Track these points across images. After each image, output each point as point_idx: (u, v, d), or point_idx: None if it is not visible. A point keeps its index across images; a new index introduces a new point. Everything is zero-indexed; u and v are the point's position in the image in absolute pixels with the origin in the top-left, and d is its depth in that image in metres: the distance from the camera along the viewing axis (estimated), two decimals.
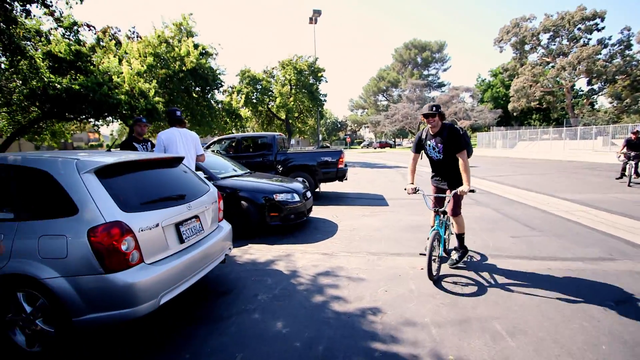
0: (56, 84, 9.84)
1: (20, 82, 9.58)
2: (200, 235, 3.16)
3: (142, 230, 2.49)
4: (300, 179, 8.48)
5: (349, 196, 9.38)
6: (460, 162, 3.51)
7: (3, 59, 7.23)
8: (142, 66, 13.48)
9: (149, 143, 4.90)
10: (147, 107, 12.22)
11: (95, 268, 2.28)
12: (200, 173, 5.31)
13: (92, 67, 11.41)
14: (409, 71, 60.18)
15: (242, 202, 5.36)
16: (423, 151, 3.87)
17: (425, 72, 60.85)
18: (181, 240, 2.89)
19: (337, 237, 5.31)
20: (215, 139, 9.67)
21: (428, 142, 3.71)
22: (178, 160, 3.52)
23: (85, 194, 2.39)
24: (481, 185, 10.42)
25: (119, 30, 16.53)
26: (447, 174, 3.75)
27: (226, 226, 3.73)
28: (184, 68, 15.19)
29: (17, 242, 2.36)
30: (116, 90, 11.46)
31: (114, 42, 15.42)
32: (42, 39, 11.13)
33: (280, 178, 6.79)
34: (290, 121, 26.62)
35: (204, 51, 16.76)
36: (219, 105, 19.65)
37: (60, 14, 10.78)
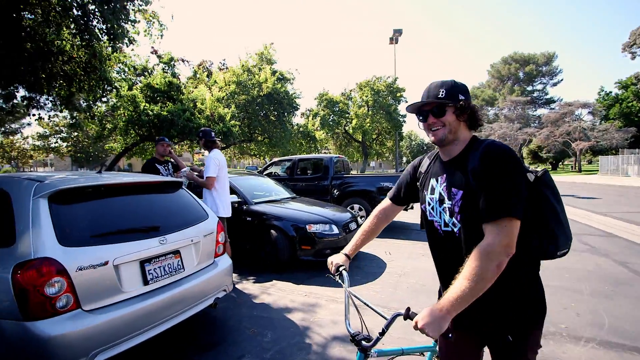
0: (149, 111, 11.14)
1: (124, 110, 11.09)
2: (177, 274, 2.62)
3: (80, 270, 2.05)
4: (356, 206, 7.63)
5: (413, 228, 8.07)
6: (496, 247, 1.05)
7: (113, 92, 8.42)
8: (223, 93, 14.56)
9: (170, 164, 4.77)
10: (223, 129, 13.02)
11: (15, 312, 1.89)
12: (233, 196, 4.98)
13: (181, 95, 12.73)
14: (508, 87, 54.00)
15: (272, 231, 4.79)
16: (418, 202, 1.50)
17: (529, 88, 53.71)
18: (145, 282, 2.39)
19: (379, 283, 4.28)
20: (274, 160, 9.54)
21: (430, 183, 1.35)
22: (174, 185, 3.13)
23: (27, 221, 2.08)
24: (601, 225, 7.90)
25: (212, 64, 18.51)
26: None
27: (223, 263, 3.15)
28: (261, 93, 16.00)
29: None
30: (198, 115, 12.50)
31: (206, 73, 17.25)
32: (146, 73, 12.95)
33: (330, 206, 6.06)
34: (367, 143, 25.89)
35: (281, 77, 17.50)
36: (295, 128, 20.14)
37: (159, 55, 12.46)
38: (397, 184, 1.61)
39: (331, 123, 24.39)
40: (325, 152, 26.43)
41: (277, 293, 4.03)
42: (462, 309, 0.98)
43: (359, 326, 1.38)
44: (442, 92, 1.21)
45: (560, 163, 51.10)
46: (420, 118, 1.29)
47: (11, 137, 22.98)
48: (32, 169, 40.12)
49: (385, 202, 1.65)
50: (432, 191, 1.31)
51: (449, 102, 1.20)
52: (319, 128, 22.50)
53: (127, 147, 13.01)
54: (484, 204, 1.06)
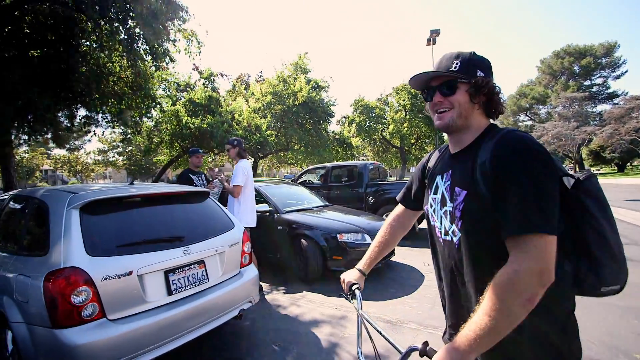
0: (191, 125, 11.74)
1: (168, 124, 11.79)
2: (201, 285, 2.61)
3: (106, 279, 2.10)
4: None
5: None
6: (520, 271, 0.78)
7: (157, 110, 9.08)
8: (259, 104, 14.97)
9: (203, 175, 4.88)
10: (259, 139, 13.34)
11: (46, 320, 1.97)
12: (264, 205, 4.99)
13: (220, 108, 13.29)
14: (562, 83, 49.77)
15: (302, 240, 4.70)
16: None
17: (587, 83, 49.13)
18: (169, 292, 2.39)
19: (416, 297, 4.00)
20: (308, 167, 9.52)
21: (436, 181, 1.10)
22: (201, 195, 3.16)
23: (60, 231, 2.17)
24: None
25: (249, 76, 19.19)
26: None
27: (249, 274, 3.10)
28: (296, 102, 16.24)
29: (6, 277, 2.30)
30: (236, 127, 12.95)
31: (244, 86, 17.89)
32: (189, 89, 13.72)
33: (364, 214, 5.87)
34: (405, 148, 25.16)
35: (315, 85, 17.65)
36: (332, 135, 20.15)
37: (200, 72, 13.17)
38: (406, 184, 1.38)
39: (367, 129, 24.08)
40: (362, 159, 26.11)
41: (306, 305, 3.91)
42: (485, 349, 0.76)
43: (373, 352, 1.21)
44: (456, 64, 0.96)
45: (629, 164, 45.88)
46: (426, 96, 1.05)
47: (75, 153, 25.66)
48: (94, 181, 44.34)
49: (398, 207, 1.42)
50: (436, 190, 1.08)
51: (462, 77, 0.95)
52: (355, 135, 22.30)
53: (172, 159, 13.78)
54: (503, 213, 0.81)
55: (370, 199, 7.74)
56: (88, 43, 7.30)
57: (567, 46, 49.55)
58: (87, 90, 7.80)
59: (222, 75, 14.96)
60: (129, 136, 10.25)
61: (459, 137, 1.02)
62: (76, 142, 21.42)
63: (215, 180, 4.66)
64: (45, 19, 6.41)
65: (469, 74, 0.96)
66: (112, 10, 6.06)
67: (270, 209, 5.14)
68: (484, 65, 0.99)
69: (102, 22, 6.43)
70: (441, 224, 1.03)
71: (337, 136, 20.00)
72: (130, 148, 27.78)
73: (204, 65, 13.86)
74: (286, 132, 16.99)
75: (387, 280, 4.59)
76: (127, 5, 5.82)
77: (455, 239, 0.96)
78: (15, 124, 10.63)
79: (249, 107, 14.27)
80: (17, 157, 28.29)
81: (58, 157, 31.24)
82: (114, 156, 30.34)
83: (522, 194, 0.79)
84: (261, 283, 4.32)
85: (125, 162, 32.30)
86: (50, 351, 1.95)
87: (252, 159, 16.03)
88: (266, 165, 28.82)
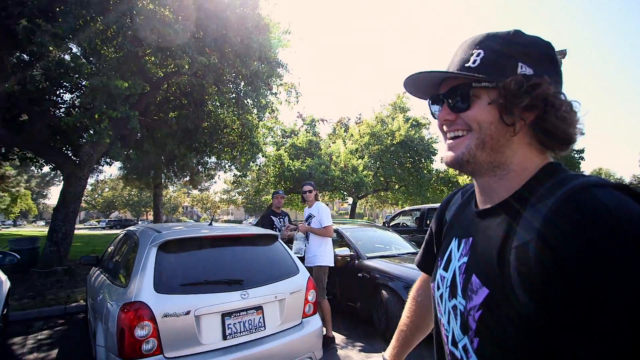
0: (292, 167, 12.71)
1: (272, 167, 13.05)
2: (257, 332, 2.53)
3: (166, 316, 2.21)
4: None
5: None
6: None
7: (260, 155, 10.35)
8: (356, 145, 15.28)
9: (287, 217, 4.97)
10: (355, 180, 13.43)
11: (115, 348, 2.16)
12: (344, 249, 4.79)
13: (319, 151, 14.09)
14: None
15: (383, 291, 4.25)
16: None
17: None
18: (224, 336, 2.39)
19: None
20: (403, 209, 8.98)
21: (450, 246, 0.70)
22: (269, 238, 3.19)
23: (139, 266, 2.44)
24: None
25: (349, 119, 20.02)
26: None
27: (312, 325, 2.89)
28: (394, 142, 15.99)
29: (102, 302, 2.68)
30: (333, 168, 13.41)
31: (343, 129, 18.71)
32: (293, 135, 15.09)
33: None
34: None
35: (415, 123, 17.15)
36: (434, 174, 18.94)
37: (304, 118, 14.43)
38: (424, 242, 0.92)
39: None
40: None
41: None
42: None
43: None
44: (477, 55, 0.58)
45: None
46: (433, 106, 0.68)
47: (206, 192, 30.98)
48: (220, 217, 51.89)
49: (420, 276, 1.00)
50: (447, 264, 0.68)
51: (481, 78, 0.57)
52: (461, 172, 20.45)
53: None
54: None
55: None
56: (210, 102, 8.85)
57: None
58: (209, 141, 9.36)
59: (322, 120, 16.06)
60: (239, 179, 11.76)
61: (486, 183, 0.62)
62: (206, 184, 25.74)
63: (294, 227, 4.62)
64: (184, 88, 8.06)
65: (498, 72, 0.56)
66: (227, 77, 7.28)
67: (352, 253, 4.89)
68: (536, 53, 0.57)
69: (221, 86, 7.75)
70: (449, 323, 0.64)
71: (441, 175, 18.65)
72: (247, 188, 31.95)
73: (307, 112, 15.15)
74: (385, 172, 16.73)
75: None
76: (237, 69, 6.89)
77: (465, 359, 0.58)
78: (164, 171, 13.34)
79: (346, 148, 14.71)
80: (165, 196, 35.57)
81: (194, 196, 38.37)
82: (234, 195, 35.15)
83: (623, 334, 0.39)
84: (335, 334, 4.02)
85: (243, 200, 37.02)
86: None
87: (350, 199, 16.16)
88: (368, 205, 28.66)
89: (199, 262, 2.65)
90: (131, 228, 3.62)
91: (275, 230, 4.58)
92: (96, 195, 37.23)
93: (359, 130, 17.94)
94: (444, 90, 0.63)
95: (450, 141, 0.63)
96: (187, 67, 5.82)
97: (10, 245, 6.39)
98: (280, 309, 2.72)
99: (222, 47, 6.44)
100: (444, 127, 0.65)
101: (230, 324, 2.43)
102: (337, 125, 19.04)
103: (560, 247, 0.44)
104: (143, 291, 2.25)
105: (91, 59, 6.31)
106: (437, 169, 19.62)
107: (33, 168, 10.82)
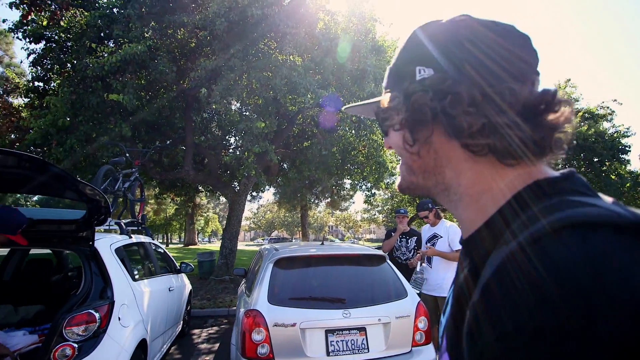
0: None
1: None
2: (360, 354, 2.52)
3: (276, 325, 2.49)
4: None
5: None
6: None
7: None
8: None
9: (415, 238, 4.41)
10: None
11: (240, 347, 2.57)
12: None
13: None
14: None
15: None
16: None
17: None
18: (327, 352, 2.49)
19: None
20: None
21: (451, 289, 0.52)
22: (377, 259, 3.14)
23: (259, 279, 2.86)
24: None
25: None
26: None
27: (424, 356, 2.65)
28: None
29: (239, 309, 3.21)
30: None
31: None
32: None
33: None
34: None
35: (588, 116, 13.55)
36: (628, 177, 14.38)
37: None
38: None
39: None
40: None
41: None
42: None
43: None
44: (387, 73, 0.53)
45: None
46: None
47: (347, 212, 32.72)
48: (362, 236, 53.45)
49: None
50: (445, 308, 0.52)
51: (383, 96, 0.51)
52: None
53: (412, 217, 14.47)
54: None
55: None
56: (339, 127, 9.53)
57: None
58: (341, 163, 10.04)
59: None
60: (369, 198, 11.91)
61: (453, 211, 0.50)
62: (345, 204, 27.20)
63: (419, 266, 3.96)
64: (315, 118, 9.03)
65: (398, 86, 0.48)
66: (344, 101, 7.78)
67: None
68: (437, 46, 0.45)
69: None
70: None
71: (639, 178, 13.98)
72: (387, 206, 32.06)
73: None
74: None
75: None
76: (354, 92, 7.27)
77: None
78: (307, 194, 14.98)
79: None
80: (312, 216, 39.41)
81: (337, 216, 41.16)
82: (374, 214, 35.70)
83: None
84: None
85: (384, 219, 37.14)
86: None
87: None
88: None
89: (306, 278, 2.88)
90: (263, 246, 4.25)
91: (395, 252, 4.36)
92: (260, 218, 45.13)
93: None
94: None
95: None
96: (311, 101, 6.53)
97: (198, 257, 8.57)
98: (385, 333, 2.62)
99: (341, 76, 6.95)
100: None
101: (333, 340, 2.51)
102: None
103: (484, 328, 0.32)
104: (260, 301, 2.61)
105: (241, 108, 7.93)
106: (632, 171, 14.82)
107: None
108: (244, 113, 7.96)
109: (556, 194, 0.38)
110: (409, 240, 4.36)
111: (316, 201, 16.98)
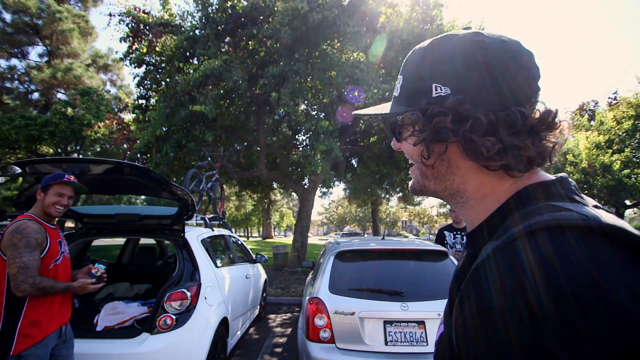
0: None
1: None
2: (418, 346, 2.56)
3: (336, 313, 2.67)
4: None
5: None
6: None
7: None
8: (609, 135, 11.34)
9: (462, 235, 4.21)
10: (609, 183, 9.98)
11: (305, 330, 2.82)
12: None
13: None
14: None
15: None
16: None
17: None
18: (385, 341, 2.58)
19: None
20: None
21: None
22: (439, 254, 3.10)
23: (322, 270, 3.07)
24: None
25: (596, 103, 15.16)
26: None
27: None
28: None
29: (305, 297, 3.48)
30: (570, 169, 10.58)
31: (585, 117, 14.42)
32: None
33: None
34: None
35: None
36: None
37: None
38: None
39: None
40: None
41: None
42: None
43: None
44: (399, 82, 0.57)
45: None
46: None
47: (421, 207, 31.41)
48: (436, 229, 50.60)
49: None
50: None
51: (400, 111, 0.55)
52: None
53: None
54: None
55: None
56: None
57: None
58: (396, 170, 9.90)
59: None
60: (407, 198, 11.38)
61: (457, 209, 0.57)
62: (418, 199, 26.10)
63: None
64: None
65: (413, 99, 0.53)
66: None
67: None
68: (452, 66, 0.49)
69: None
70: None
71: None
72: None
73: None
74: None
75: None
76: None
77: None
78: (377, 189, 14.90)
79: (587, 142, 11.16)
80: (384, 211, 38.64)
81: (411, 211, 39.69)
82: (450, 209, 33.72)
83: None
84: None
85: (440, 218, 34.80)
86: (303, 354, 2.75)
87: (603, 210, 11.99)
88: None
89: (365, 271, 3.00)
90: (328, 240, 4.47)
91: (447, 247, 4.19)
92: (332, 213, 46.10)
93: (615, 115, 13.21)
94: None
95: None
96: (375, 97, 6.54)
97: (273, 250, 9.28)
98: None
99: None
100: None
101: (391, 331, 2.59)
102: (577, 114, 14.77)
103: (469, 302, 0.40)
104: (321, 290, 2.82)
105: (307, 108, 8.29)
106: None
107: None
108: (312, 113, 8.32)
109: (544, 197, 0.45)
110: (459, 235, 4.23)
111: (387, 196, 16.71)
